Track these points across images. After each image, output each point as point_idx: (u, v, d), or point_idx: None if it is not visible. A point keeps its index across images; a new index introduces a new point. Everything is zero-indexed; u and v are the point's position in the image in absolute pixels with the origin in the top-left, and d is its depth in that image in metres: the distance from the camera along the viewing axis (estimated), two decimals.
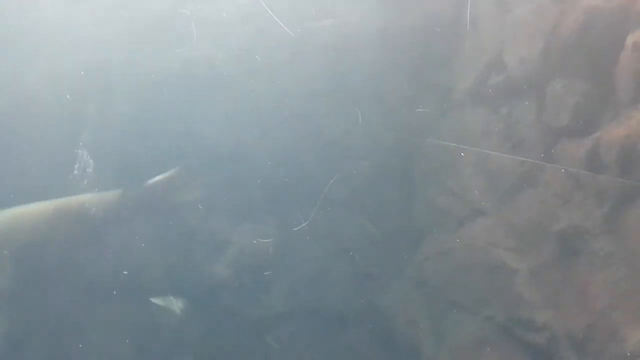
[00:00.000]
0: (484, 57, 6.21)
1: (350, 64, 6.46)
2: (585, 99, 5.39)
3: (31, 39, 6.77)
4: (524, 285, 5.62)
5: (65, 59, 6.74)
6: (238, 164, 6.73)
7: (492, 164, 5.95)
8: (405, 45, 6.27)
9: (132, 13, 6.71)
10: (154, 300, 6.84)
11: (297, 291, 6.80)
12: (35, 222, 6.49)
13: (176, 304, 6.83)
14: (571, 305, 5.28)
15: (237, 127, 6.70)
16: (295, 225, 6.79)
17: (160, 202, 6.63)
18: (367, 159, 6.65)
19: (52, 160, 6.74)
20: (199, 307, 6.88)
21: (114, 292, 6.71)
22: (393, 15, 6.17)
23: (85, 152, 6.65)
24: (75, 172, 6.60)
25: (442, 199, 6.23)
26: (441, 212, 6.23)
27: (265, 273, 6.64)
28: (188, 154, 6.74)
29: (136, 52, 6.74)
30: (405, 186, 6.51)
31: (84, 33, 6.70)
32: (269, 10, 6.21)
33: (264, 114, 6.65)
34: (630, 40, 5.12)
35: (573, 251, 5.36)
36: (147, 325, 6.82)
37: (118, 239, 6.73)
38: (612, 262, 5.10)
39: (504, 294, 5.70)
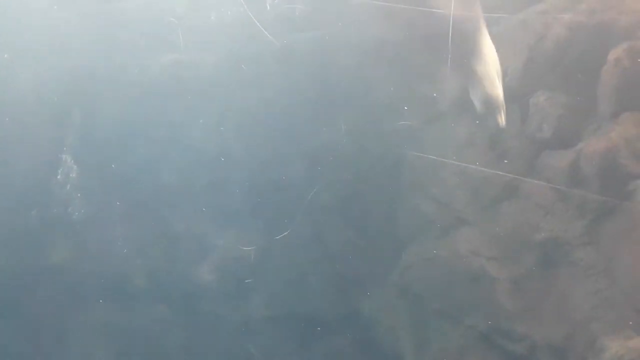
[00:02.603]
0: (468, 67, 6.27)
1: (334, 75, 6.49)
2: (567, 112, 5.49)
3: (17, 44, 6.70)
4: (505, 294, 5.69)
5: (51, 63, 6.68)
6: (223, 170, 6.72)
7: (476, 174, 6.01)
8: (390, 56, 6.32)
9: (119, 19, 6.68)
10: (136, 304, 6.81)
11: (279, 297, 6.80)
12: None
13: (159, 309, 6.80)
14: (551, 315, 5.36)
15: (223, 133, 6.69)
16: (278, 231, 6.79)
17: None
18: (352, 168, 6.67)
19: (35, 165, 6.67)
20: (181, 311, 6.86)
21: (97, 296, 6.67)
22: (378, 27, 6.22)
23: (69, 157, 6.60)
24: (58, 177, 6.55)
25: (426, 207, 6.28)
26: (425, 221, 6.28)
27: (247, 281, 6.64)
28: (173, 159, 6.71)
29: (123, 58, 6.70)
30: (390, 194, 6.54)
31: (71, 38, 6.64)
32: (255, 20, 6.22)
33: (249, 122, 6.64)
34: (612, 55, 5.23)
35: (553, 262, 5.45)
36: (129, 329, 6.79)
37: (100, 242, 6.69)
38: (592, 273, 5.19)
39: (485, 302, 5.77)
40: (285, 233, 6.36)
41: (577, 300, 5.22)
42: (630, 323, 4.84)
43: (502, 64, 5.90)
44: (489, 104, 5.17)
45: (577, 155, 5.32)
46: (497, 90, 5.14)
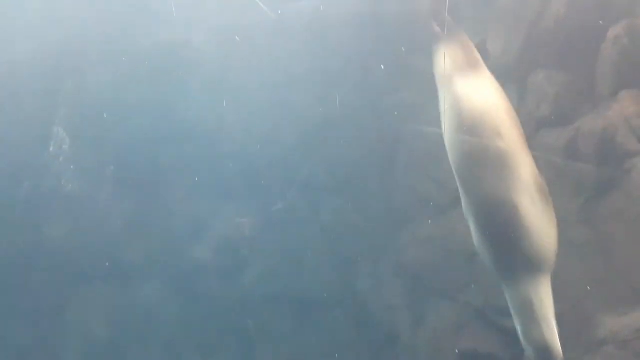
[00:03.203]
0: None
1: (330, 47, 6.43)
2: (565, 90, 5.47)
3: (8, 16, 6.59)
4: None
5: (43, 37, 6.59)
6: (217, 147, 6.68)
7: None
8: (387, 31, 6.26)
9: None
10: (133, 281, 6.80)
11: (276, 275, 6.81)
12: None
13: (156, 286, 6.80)
14: None
15: (217, 110, 6.63)
16: (275, 209, 6.78)
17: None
18: (349, 146, 6.65)
19: (27, 137, 6.59)
20: (178, 289, 6.86)
21: (92, 272, 6.65)
22: (375, 1, 6.15)
23: (61, 129, 6.51)
24: (51, 150, 6.47)
25: (424, 186, 6.28)
26: (422, 200, 6.28)
27: (243, 253, 6.61)
28: (166, 131, 6.64)
29: (115, 32, 6.61)
30: (387, 173, 6.54)
31: (62, 12, 6.55)
32: None
33: (243, 97, 6.59)
34: (611, 33, 5.21)
35: None
36: (126, 306, 6.78)
37: (94, 215, 6.62)
38: (587, 251, 5.22)
39: (481, 280, 5.79)
40: (280, 206, 6.33)
41: (572, 278, 5.25)
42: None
43: (500, 42, 5.87)
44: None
45: (575, 134, 5.32)
46: (555, 337, 4.06)
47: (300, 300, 6.70)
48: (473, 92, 4.36)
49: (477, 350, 5.69)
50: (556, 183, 5.42)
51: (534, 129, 5.59)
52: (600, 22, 5.29)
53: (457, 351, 5.83)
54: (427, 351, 6.07)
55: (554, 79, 5.50)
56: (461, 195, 4.33)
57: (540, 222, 3.88)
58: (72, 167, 6.36)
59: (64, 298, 6.68)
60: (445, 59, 4.27)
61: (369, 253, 6.59)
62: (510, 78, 5.71)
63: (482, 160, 4.14)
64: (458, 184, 4.39)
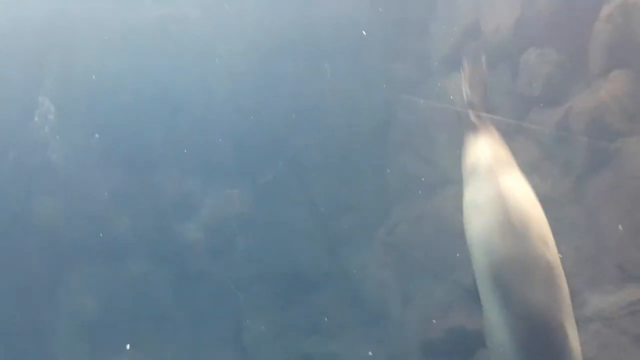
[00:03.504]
0: (460, 24, 6.20)
1: (321, 22, 6.38)
2: (557, 69, 5.46)
3: None
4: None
5: (30, 7, 6.46)
6: (206, 120, 6.63)
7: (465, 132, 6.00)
8: (382, 7, 6.22)
9: None
10: (123, 258, 6.79)
11: (268, 253, 6.82)
12: None
13: (146, 263, 6.80)
14: None
15: (208, 85, 6.58)
16: (267, 188, 6.78)
17: None
18: (341, 124, 6.64)
19: (11, 107, 6.51)
20: (169, 267, 6.86)
21: (83, 249, 6.63)
22: None
23: (46, 98, 6.42)
24: (36, 119, 6.40)
25: (415, 165, 6.29)
26: (413, 179, 6.30)
27: (233, 230, 6.60)
28: (153, 106, 6.56)
29: (103, 3, 6.50)
30: (379, 151, 6.54)
31: None
32: None
33: (235, 72, 6.53)
34: (604, 12, 5.18)
35: None
36: (117, 285, 6.78)
37: (81, 186, 6.54)
38: (575, 230, 5.25)
39: (471, 259, 5.82)
40: (269, 178, 6.32)
41: (560, 256, 5.28)
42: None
43: (493, 20, 5.85)
44: None
45: (566, 113, 5.32)
46: None
47: (290, 278, 6.72)
48: (519, 193, 3.89)
49: (465, 328, 5.74)
50: (546, 163, 5.46)
51: (525, 108, 5.59)
52: (593, 1, 5.26)
53: (445, 328, 5.89)
54: (416, 328, 6.13)
55: (546, 58, 5.48)
56: (490, 303, 3.76)
57: (578, 349, 3.49)
58: (57, 137, 6.28)
59: (53, 274, 6.67)
60: (482, 151, 3.94)
61: (359, 231, 6.61)
62: (503, 56, 5.70)
63: (531, 270, 3.66)
64: (489, 290, 3.81)
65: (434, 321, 5.97)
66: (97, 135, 6.32)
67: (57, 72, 6.51)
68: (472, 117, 3.84)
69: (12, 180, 6.54)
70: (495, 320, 3.62)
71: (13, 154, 6.51)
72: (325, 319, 6.65)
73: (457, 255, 5.94)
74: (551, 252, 3.76)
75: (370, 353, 6.08)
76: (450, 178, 6.08)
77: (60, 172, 6.51)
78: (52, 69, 6.52)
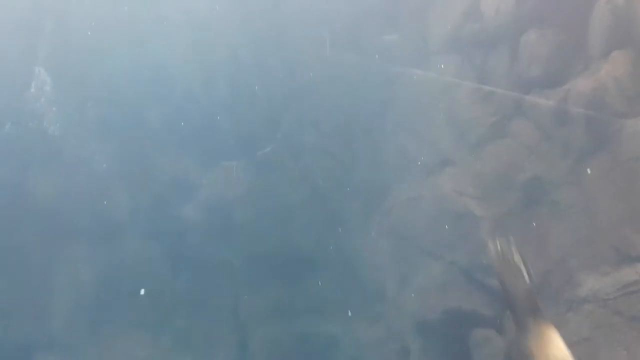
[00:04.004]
0: (460, 5, 6.15)
1: (320, 2, 6.32)
2: (557, 50, 5.42)
3: None
4: (487, 232, 5.77)
5: None
6: (206, 104, 6.60)
7: (463, 113, 5.99)
8: None
9: None
10: (122, 239, 6.80)
11: (266, 235, 6.85)
12: None
13: (143, 243, 6.81)
14: (530, 252, 5.46)
15: (205, 63, 6.52)
16: (264, 169, 6.78)
17: None
18: (339, 106, 6.62)
19: (6, 77, 6.42)
20: (166, 246, 6.88)
21: (81, 230, 6.63)
22: None
23: (42, 69, 6.35)
24: (32, 90, 6.33)
25: (412, 147, 6.28)
26: (410, 160, 6.30)
27: (231, 211, 6.60)
28: (149, 76, 6.49)
29: None
30: (376, 132, 6.53)
31: None
32: None
33: (232, 50, 6.48)
34: None
35: (536, 201, 5.51)
36: (114, 263, 6.80)
37: (77, 157, 6.48)
38: (572, 211, 5.26)
39: (467, 240, 5.86)
40: (267, 150, 6.29)
41: (556, 238, 5.30)
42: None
43: (494, 1, 5.79)
44: None
45: (565, 95, 5.29)
46: None
47: (287, 258, 6.76)
48: None
49: (461, 308, 5.78)
50: (544, 145, 5.45)
51: (524, 90, 5.56)
52: None
53: (442, 309, 5.92)
54: (413, 308, 6.17)
55: (546, 39, 5.44)
56: None
57: None
58: (54, 108, 6.22)
59: (50, 251, 6.65)
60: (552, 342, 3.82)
61: (357, 211, 6.63)
62: (503, 38, 5.66)
63: None
64: None
65: (431, 301, 6.01)
66: (95, 109, 6.21)
67: (51, 41, 6.39)
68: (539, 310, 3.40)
69: (8, 151, 6.48)
70: None
71: (9, 125, 6.45)
72: (322, 298, 6.69)
73: (454, 236, 5.98)
74: None
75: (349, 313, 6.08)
76: (448, 159, 6.09)
77: (56, 141, 6.44)
78: (47, 38, 6.41)
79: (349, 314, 6.58)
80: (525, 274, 3.16)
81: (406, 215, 6.32)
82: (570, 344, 4.79)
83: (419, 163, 6.20)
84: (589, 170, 5.12)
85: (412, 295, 6.20)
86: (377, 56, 6.27)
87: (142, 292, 6.19)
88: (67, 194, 6.52)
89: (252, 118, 6.58)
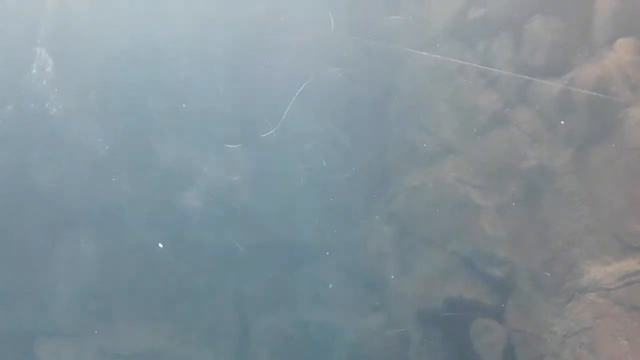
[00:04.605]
0: None
1: None
2: (562, 38, 5.37)
3: None
4: (488, 221, 5.75)
5: None
6: (211, 90, 6.53)
7: (466, 101, 5.94)
8: None
9: None
10: (123, 228, 6.80)
11: (268, 223, 6.83)
12: None
13: (145, 232, 6.81)
14: (532, 242, 5.45)
15: (206, 50, 6.44)
16: (265, 157, 6.75)
17: None
18: (341, 95, 6.57)
19: (8, 58, 6.37)
20: (168, 235, 6.87)
21: (82, 216, 6.62)
22: None
23: (43, 50, 6.27)
24: (33, 71, 6.26)
25: (415, 134, 6.24)
26: (413, 148, 6.26)
27: (233, 200, 6.55)
28: (151, 56, 6.42)
29: None
30: (379, 121, 6.48)
31: None
32: None
33: (233, 38, 6.41)
34: None
35: (538, 190, 5.48)
36: (115, 251, 6.80)
37: (80, 138, 6.40)
38: (575, 200, 5.24)
39: (469, 229, 5.84)
40: (272, 131, 6.23)
41: (558, 227, 5.29)
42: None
43: None
44: None
45: (569, 83, 5.25)
46: None
47: (289, 247, 6.74)
48: None
49: (463, 297, 5.78)
50: (547, 133, 5.41)
51: (527, 78, 5.51)
52: None
53: (443, 298, 5.92)
54: (414, 297, 6.17)
55: (550, 26, 5.38)
56: None
57: None
58: (56, 90, 6.15)
59: (51, 237, 6.65)
60: None
61: (360, 201, 6.60)
62: (506, 25, 5.60)
63: None
64: None
65: (432, 290, 6.01)
66: (97, 90, 6.11)
67: (52, 20, 6.29)
68: None
69: (9, 133, 6.44)
70: None
71: (10, 106, 6.38)
72: (324, 286, 6.69)
73: (456, 224, 5.96)
74: None
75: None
76: (451, 148, 6.05)
77: (58, 125, 6.38)
78: (48, 18, 6.31)
79: (351, 303, 6.59)
80: None
81: (408, 204, 6.30)
82: (571, 334, 4.81)
83: (421, 152, 6.17)
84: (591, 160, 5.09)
85: (414, 284, 6.20)
86: (379, 42, 6.20)
87: (160, 245, 6.12)
88: (68, 177, 6.45)
89: (255, 103, 6.51)
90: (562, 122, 5.25)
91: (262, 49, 6.46)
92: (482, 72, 5.78)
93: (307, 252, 6.80)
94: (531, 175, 5.51)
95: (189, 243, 6.84)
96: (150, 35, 6.40)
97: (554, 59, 5.40)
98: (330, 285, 6.60)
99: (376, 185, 6.49)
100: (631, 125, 5.00)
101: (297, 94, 6.40)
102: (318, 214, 6.75)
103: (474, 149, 5.88)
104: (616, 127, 5.05)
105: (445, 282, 5.94)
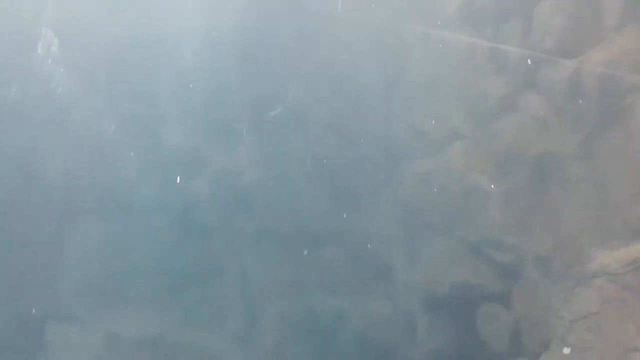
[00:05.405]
0: None
1: None
2: (571, 22, 5.32)
3: None
4: (496, 208, 5.74)
5: None
6: (218, 69, 6.50)
7: (473, 88, 5.92)
8: None
9: None
10: (130, 214, 6.82)
11: (274, 210, 6.84)
12: None
13: (152, 218, 6.82)
14: (540, 228, 5.43)
15: (211, 36, 6.41)
16: (272, 144, 6.75)
17: None
18: (349, 82, 6.55)
19: (13, 38, 6.36)
20: (176, 224, 6.89)
21: (89, 205, 6.64)
22: None
23: (49, 29, 6.25)
24: (39, 51, 6.25)
25: (422, 122, 6.22)
26: (420, 135, 6.24)
27: (239, 187, 6.51)
28: (157, 38, 6.39)
29: None
30: (386, 108, 6.46)
31: None
32: None
33: (239, 25, 6.38)
34: None
35: (546, 176, 5.46)
36: (124, 240, 6.82)
37: (86, 119, 6.39)
38: (583, 187, 5.21)
39: (476, 215, 5.83)
40: (277, 110, 6.21)
41: (566, 213, 5.27)
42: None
43: None
44: None
45: (578, 68, 5.21)
46: None
47: (296, 234, 6.75)
48: None
49: (470, 283, 5.78)
50: (556, 119, 5.38)
51: (537, 62, 5.48)
52: None
53: (450, 283, 5.93)
54: (421, 284, 6.18)
55: (560, 10, 5.33)
56: None
57: None
58: (61, 69, 6.14)
59: (56, 219, 6.64)
60: None
61: (366, 188, 6.60)
62: (516, 8, 5.55)
63: None
64: None
65: (439, 276, 6.01)
66: (103, 70, 6.07)
67: (58, 1, 6.25)
68: None
69: (15, 113, 6.43)
70: None
71: (16, 87, 6.38)
72: (331, 273, 6.71)
73: (463, 211, 5.95)
74: None
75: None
76: (458, 133, 6.03)
77: (64, 105, 6.37)
78: None
79: (357, 289, 6.60)
80: None
81: (415, 190, 6.29)
82: (578, 318, 4.81)
83: (429, 138, 6.15)
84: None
85: (421, 270, 6.20)
86: (388, 25, 6.15)
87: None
88: (75, 160, 6.46)
89: (261, 85, 6.47)
90: (580, 101, 5.17)
91: (268, 30, 6.43)
92: (491, 57, 5.75)
93: (313, 238, 6.80)
94: (540, 161, 5.48)
95: (196, 229, 6.86)
96: (156, 16, 6.38)
97: (563, 44, 5.35)
98: (331, 275, 6.60)
99: (383, 171, 6.49)
100: None
101: (303, 76, 6.37)
102: (325, 200, 6.75)
103: (482, 135, 5.86)
104: (626, 112, 5.01)
105: (452, 268, 5.95)
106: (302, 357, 6.55)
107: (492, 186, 5.79)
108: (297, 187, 6.74)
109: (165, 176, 6.75)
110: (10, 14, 6.36)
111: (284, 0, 6.41)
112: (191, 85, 6.46)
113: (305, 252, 6.75)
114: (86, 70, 6.42)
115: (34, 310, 6.54)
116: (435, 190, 6.12)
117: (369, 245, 6.57)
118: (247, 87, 6.54)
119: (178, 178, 6.71)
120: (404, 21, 6.38)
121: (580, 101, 5.16)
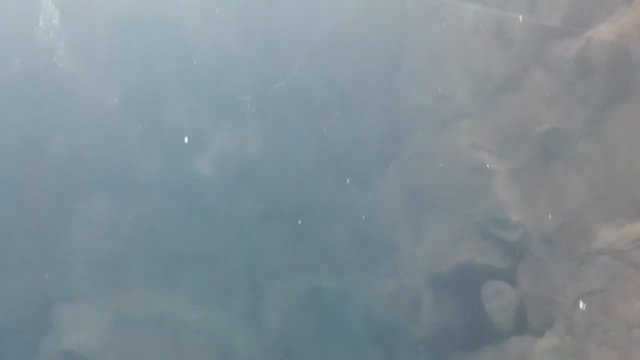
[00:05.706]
0: None
1: None
2: None
3: None
4: (502, 186, 5.71)
5: None
6: (217, 61, 6.47)
7: (480, 64, 5.85)
8: None
9: None
10: (135, 196, 6.83)
11: (280, 191, 6.84)
12: None
13: (157, 200, 6.84)
14: (546, 206, 5.40)
15: (217, 19, 6.36)
16: (276, 124, 6.72)
17: None
18: (353, 58, 6.49)
19: (15, 12, 6.31)
20: (181, 205, 6.90)
21: (95, 184, 6.65)
22: None
23: (50, 2, 6.21)
24: (40, 24, 6.21)
25: (427, 99, 6.17)
26: (425, 113, 6.19)
27: (244, 167, 6.48)
28: (160, 8, 6.31)
29: None
30: (390, 85, 6.41)
31: None
32: None
33: (244, 9, 6.32)
34: None
35: (553, 154, 5.41)
36: (130, 221, 6.85)
37: (89, 94, 6.35)
38: (590, 164, 5.17)
39: (482, 194, 5.81)
40: (281, 83, 6.17)
41: (572, 191, 5.23)
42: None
43: None
44: None
45: (586, 44, 5.12)
46: None
47: (300, 213, 6.76)
48: None
49: (474, 261, 5.78)
50: (563, 96, 5.31)
51: (543, 39, 5.40)
52: None
53: (454, 263, 5.93)
54: (426, 262, 6.18)
55: None
56: None
57: None
58: (63, 42, 6.11)
59: (68, 211, 6.66)
60: None
61: (371, 167, 6.58)
62: None
63: None
64: None
65: (444, 255, 6.01)
66: (105, 43, 6.00)
67: None
68: None
69: (18, 88, 6.39)
70: None
71: (19, 60, 6.35)
72: (336, 252, 6.72)
73: (469, 189, 5.92)
74: None
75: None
76: (464, 112, 5.98)
77: (66, 76, 6.35)
78: None
79: (362, 268, 6.62)
80: None
81: (420, 169, 6.26)
82: (584, 295, 4.80)
83: (433, 116, 6.10)
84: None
85: (426, 248, 6.20)
86: (389, 8, 6.07)
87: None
88: (78, 138, 6.46)
89: (265, 77, 6.44)
90: (578, 84, 5.10)
91: (272, 3, 6.36)
92: (497, 33, 5.66)
93: (317, 217, 6.81)
94: (546, 138, 5.43)
95: (201, 211, 6.87)
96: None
97: (571, 19, 5.26)
98: (336, 254, 6.61)
99: (388, 150, 6.46)
100: None
101: (307, 50, 6.29)
102: (330, 179, 6.74)
103: (487, 113, 5.80)
104: (634, 88, 4.93)
105: (457, 246, 5.94)
106: (308, 335, 6.60)
107: (498, 164, 5.75)
108: (302, 166, 6.72)
109: (169, 154, 6.74)
110: None
111: None
112: (194, 61, 6.41)
113: (299, 222, 6.66)
114: (87, 44, 6.37)
115: (41, 289, 6.59)
116: (440, 168, 6.09)
117: (374, 223, 6.57)
118: (250, 63, 6.49)
119: (182, 157, 6.70)
120: None
121: (589, 77, 5.09)
